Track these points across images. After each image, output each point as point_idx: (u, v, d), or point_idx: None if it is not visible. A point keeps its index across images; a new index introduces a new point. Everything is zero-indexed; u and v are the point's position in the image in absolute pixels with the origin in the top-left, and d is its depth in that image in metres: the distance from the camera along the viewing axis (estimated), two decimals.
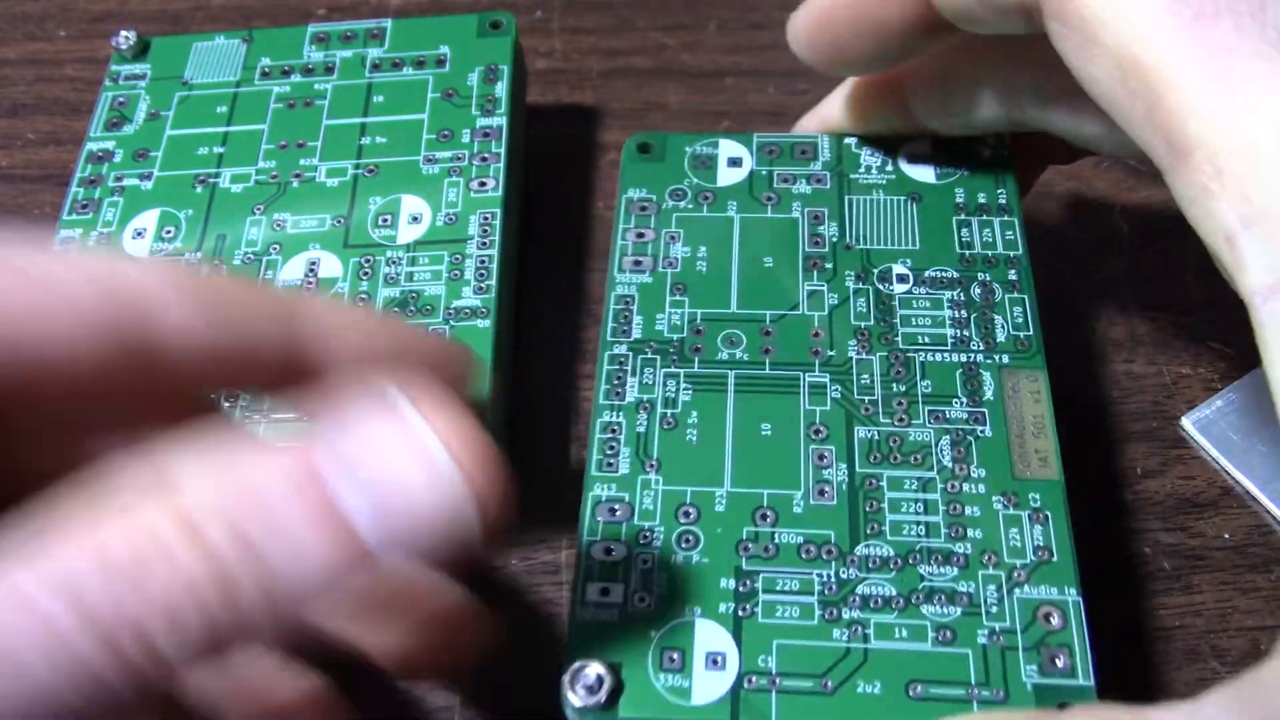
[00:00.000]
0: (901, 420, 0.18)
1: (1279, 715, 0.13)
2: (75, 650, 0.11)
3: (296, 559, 0.11)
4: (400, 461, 0.12)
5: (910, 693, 0.16)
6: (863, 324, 0.20)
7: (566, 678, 0.16)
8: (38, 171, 0.28)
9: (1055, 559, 0.17)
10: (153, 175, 0.24)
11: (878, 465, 0.18)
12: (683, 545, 0.17)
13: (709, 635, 0.16)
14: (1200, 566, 0.21)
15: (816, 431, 0.18)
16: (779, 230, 0.21)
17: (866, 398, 0.19)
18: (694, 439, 0.18)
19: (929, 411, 0.18)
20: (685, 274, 0.20)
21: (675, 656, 0.16)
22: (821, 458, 0.18)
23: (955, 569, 0.17)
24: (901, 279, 0.20)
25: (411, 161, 0.23)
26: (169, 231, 0.23)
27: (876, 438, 0.18)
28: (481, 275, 0.22)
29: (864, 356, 0.19)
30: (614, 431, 0.19)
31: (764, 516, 0.18)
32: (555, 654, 0.20)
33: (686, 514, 0.18)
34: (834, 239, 0.21)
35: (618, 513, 0.18)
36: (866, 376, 0.19)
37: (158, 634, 0.11)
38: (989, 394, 0.19)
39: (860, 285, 0.20)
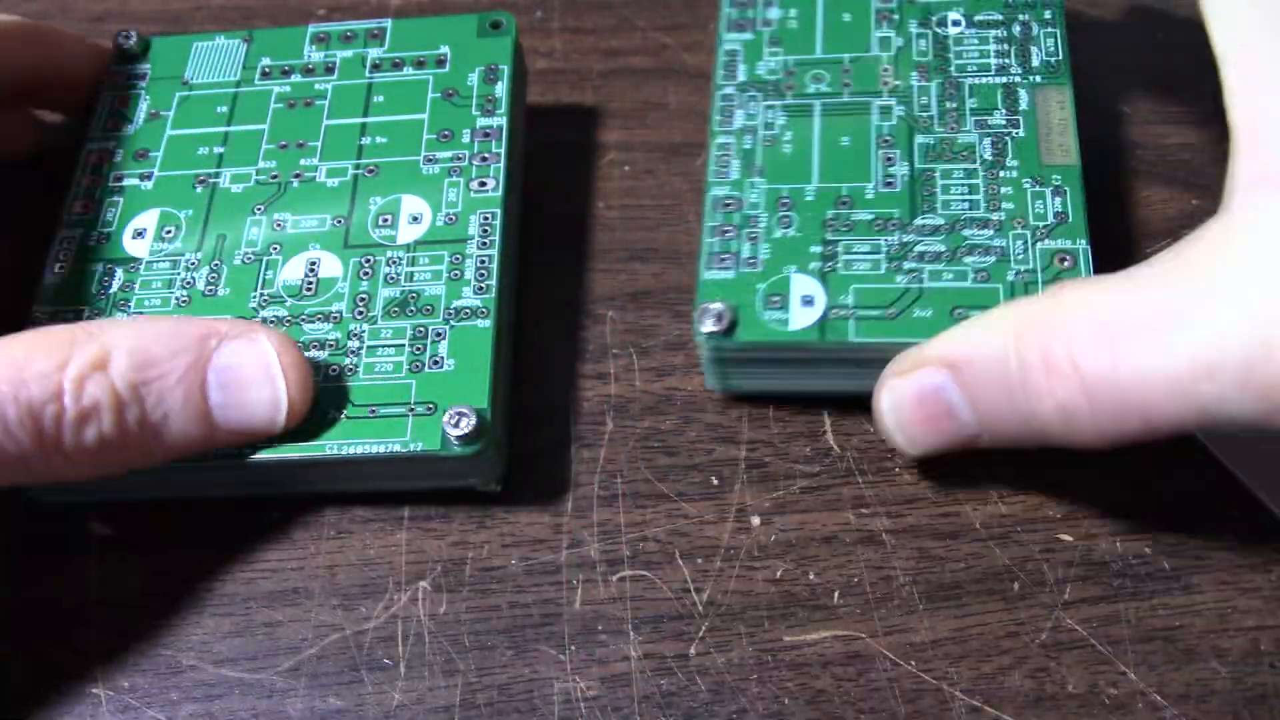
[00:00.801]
0: (952, 129, 0.23)
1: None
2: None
3: (167, 418, 0.19)
4: (254, 378, 0.20)
5: (953, 315, 0.20)
6: (922, 59, 0.24)
7: (697, 314, 0.21)
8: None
9: (1070, 220, 0.21)
10: (153, 175, 0.24)
11: (933, 162, 0.22)
12: (781, 225, 0.22)
13: (803, 284, 0.21)
14: (1200, 566, 0.21)
15: (885, 140, 0.23)
16: None
17: (925, 114, 0.23)
18: (789, 151, 0.23)
19: (975, 121, 0.23)
20: (778, 31, 0.25)
21: (777, 299, 0.21)
22: (889, 159, 0.23)
23: (992, 230, 0.21)
24: (955, 23, 0.24)
25: (411, 161, 0.23)
26: (169, 232, 0.23)
27: (932, 142, 0.23)
28: (481, 275, 0.22)
29: (923, 84, 0.24)
30: (726, 150, 0.23)
31: (844, 202, 0.22)
32: (557, 653, 0.20)
33: (784, 203, 0.22)
34: None
35: (730, 205, 0.22)
36: (925, 99, 0.23)
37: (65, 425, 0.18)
38: (1023, 105, 0.23)
39: (921, 30, 0.24)
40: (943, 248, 0.21)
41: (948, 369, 0.19)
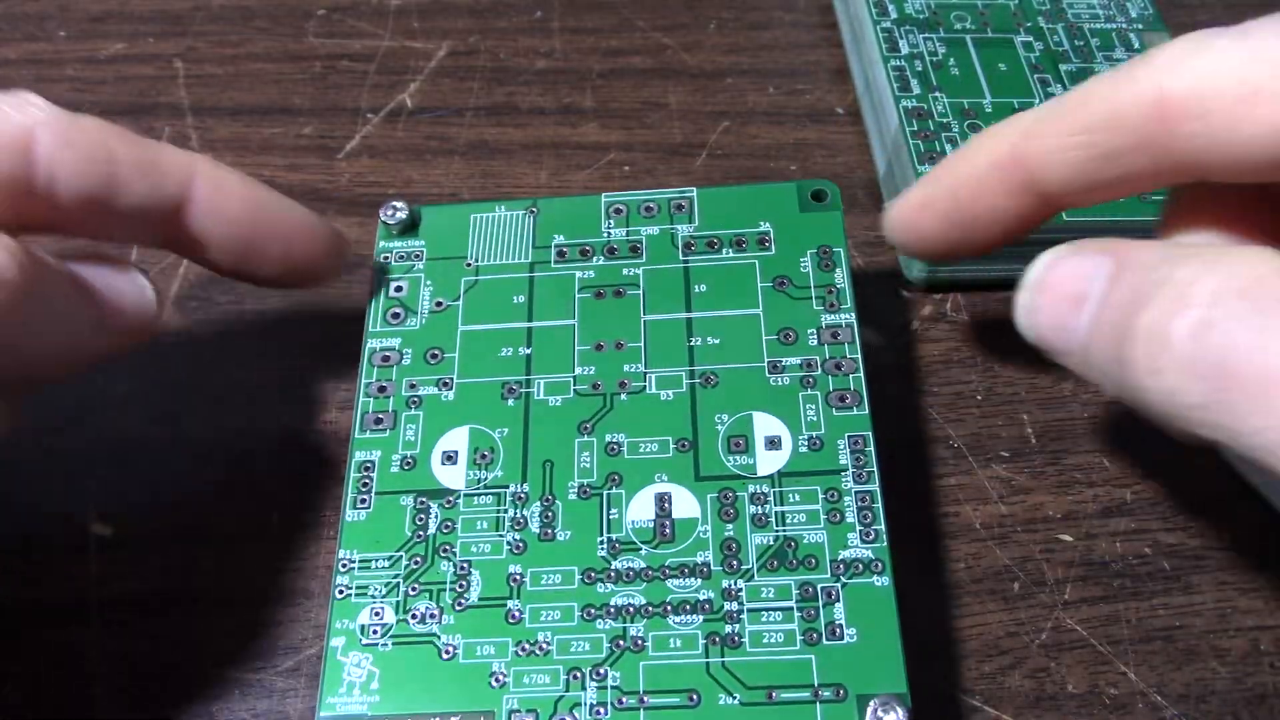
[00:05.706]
0: (1087, 61, 0.27)
1: None
2: None
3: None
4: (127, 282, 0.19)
5: None
6: (1043, 8, 0.29)
7: None
8: None
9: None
10: (452, 383, 0.21)
11: None
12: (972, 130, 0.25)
13: None
14: (1200, 566, 0.21)
15: (1036, 67, 0.27)
16: None
17: (1060, 48, 0.28)
18: (956, 74, 0.27)
19: (1103, 56, 0.28)
20: None
21: None
22: (1044, 81, 0.27)
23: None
24: None
25: (755, 369, 0.20)
26: (484, 456, 0.20)
27: (1075, 70, 0.27)
28: (866, 519, 0.19)
29: (1051, 26, 0.28)
30: (902, 71, 0.27)
31: None
32: None
33: (969, 112, 0.25)
34: None
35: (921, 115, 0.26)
36: (1058, 37, 0.28)
37: None
38: (1136, 46, 0.28)
39: None
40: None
41: (1113, 259, 0.17)
